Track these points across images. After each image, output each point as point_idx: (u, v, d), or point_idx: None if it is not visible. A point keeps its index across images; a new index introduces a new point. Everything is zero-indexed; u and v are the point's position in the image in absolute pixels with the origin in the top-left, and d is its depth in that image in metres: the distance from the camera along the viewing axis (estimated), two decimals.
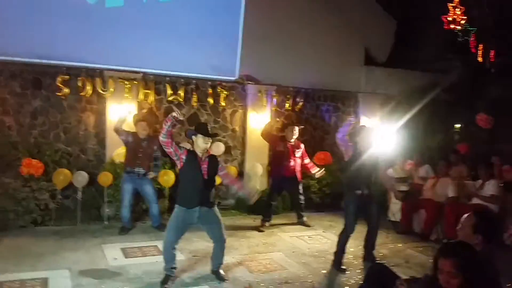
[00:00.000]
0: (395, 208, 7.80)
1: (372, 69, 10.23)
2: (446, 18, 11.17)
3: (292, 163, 7.16)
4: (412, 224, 7.42)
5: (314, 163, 7.63)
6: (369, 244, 5.72)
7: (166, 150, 4.55)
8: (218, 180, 5.02)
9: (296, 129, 7.19)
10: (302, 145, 7.33)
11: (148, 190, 6.56)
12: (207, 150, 4.67)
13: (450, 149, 8.62)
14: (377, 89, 10.02)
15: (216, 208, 4.80)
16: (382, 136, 6.01)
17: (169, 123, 4.41)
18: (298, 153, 7.22)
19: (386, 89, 10.04)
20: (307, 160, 7.41)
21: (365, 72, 10.16)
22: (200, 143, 4.57)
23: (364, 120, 9.56)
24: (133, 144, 6.42)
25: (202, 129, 4.64)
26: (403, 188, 7.76)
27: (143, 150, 6.43)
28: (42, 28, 7.06)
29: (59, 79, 7.21)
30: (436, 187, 7.33)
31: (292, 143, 7.17)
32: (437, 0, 11.06)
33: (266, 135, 7.47)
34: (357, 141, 5.54)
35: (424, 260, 5.96)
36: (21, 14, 6.93)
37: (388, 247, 6.51)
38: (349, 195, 5.51)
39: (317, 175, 7.35)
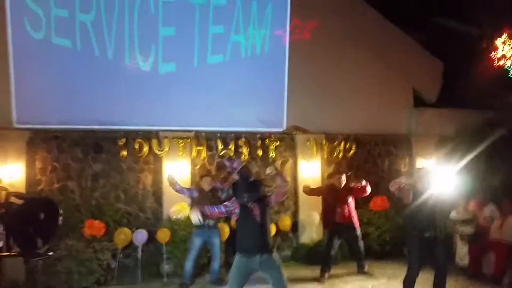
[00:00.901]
0: (462, 252, 7.38)
1: (423, 110, 10.07)
2: (495, 55, 10.95)
3: (346, 209, 7.02)
4: (482, 267, 6.95)
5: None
6: None
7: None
8: (273, 229, 4.98)
9: (343, 177, 7.13)
10: (358, 184, 7.17)
11: (216, 242, 6.63)
12: None
13: None
14: (430, 130, 9.80)
15: (276, 255, 4.74)
16: (442, 178, 5.81)
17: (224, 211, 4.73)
18: (351, 197, 7.10)
19: (439, 129, 9.81)
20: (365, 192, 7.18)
21: (415, 113, 10.01)
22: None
23: (420, 163, 9.31)
24: (199, 198, 6.56)
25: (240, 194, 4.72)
26: (469, 230, 7.37)
27: (209, 202, 6.56)
28: (102, 97, 7.65)
29: (119, 142, 7.61)
30: (504, 227, 6.90)
31: (342, 189, 7.08)
32: (484, 37, 10.93)
33: (310, 192, 7.44)
34: (416, 184, 5.39)
35: None
36: (83, 86, 7.56)
37: None
38: (412, 238, 5.30)
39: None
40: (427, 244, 5.26)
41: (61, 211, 6.45)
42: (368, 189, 7.12)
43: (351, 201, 7.09)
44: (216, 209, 4.75)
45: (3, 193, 3.48)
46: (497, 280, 6.62)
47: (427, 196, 5.30)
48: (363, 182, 7.14)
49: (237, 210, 4.66)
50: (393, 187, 5.43)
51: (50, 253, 6.29)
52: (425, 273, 5.36)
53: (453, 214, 7.47)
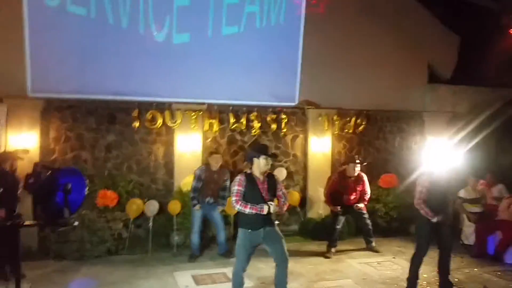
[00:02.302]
0: (468, 231, 7.47)
1: (437, 87, 9.94)
2: None
3: (353, 196, 7.12)
4: (487, 247, 7.04)
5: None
6: (443, 269, 5.50)
7: None
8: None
9: (358, 166, 7.12)
10: (365, 177, 7.23)
11: (217, 216, 6.78)
12: (267, 172, 4.76)
13: None
14: (443, 108, 9.71)
15: (277, 227, 4.85)
16: (452, 156, 5.82)
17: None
18: (359, 187, 7.15)
19: (453, 107, 9.74)
20: (366, 195, 7.24)
21: (429, 90, 9.89)
22: (263, 164, 4.67)
23: (431, 140, 9.28)
24: (206, 178, 6.70)
25: (263, 150, 4.76)
26: (476, 209, 7.43)
27: (215, 182, 6.68)
28: (116, 67, 7.59)
29: (133, 113, 7.65)
30: (511, 208, 6.94)
31: (353, 179, 7.11)
32: (503, 12, 10.62)
33: (328, 196, 7.34)
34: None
35: (503, 285, 5.68)
36: (97, 55, 7.50)
37: (463, 272, 6.23)
38: (423, 223, 5.37)
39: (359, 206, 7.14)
40: (436, 227, 5.33)
41: (87, 182, 6.66)
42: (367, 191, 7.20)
43: (360, 189, 7.15)
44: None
45: (32, 163, 3.59)
46: (499, 258, 6.72)
47: (439, 182, 5.33)
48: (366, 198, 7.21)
49: (242, 186, 4.64)
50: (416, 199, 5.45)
51: (76, 223, 6.52)
52: (431, 251, 5.44)
53: (462, 193, 7.51)
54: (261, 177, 4.70)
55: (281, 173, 8.20)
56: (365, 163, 7.53)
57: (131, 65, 7.68)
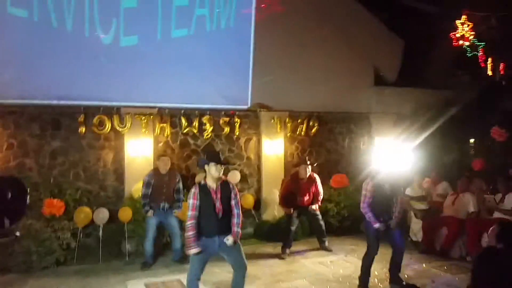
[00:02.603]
0: (416, 228, 7.73)
1: (382, 89, 10.29)
2: (454, 35, 11.23)
3: (306, 198, 7.23)
4: (434, 243, 7.33)
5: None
6: (394, 266, 5.67)
7: None
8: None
9: (309, 168, 7.24)
10: (317, 178, 7.36)
11: (173, 222, 6.67)
12: (220, 179, 4.69)
13: (466, 165, 8.57)
14: (389, 109, 10.06)
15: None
16: (398, 156, 6.02)
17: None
18: (312, 188, 7.27)
19: (398, 108, 10.09)
20: (319, 196, 7.38)
21: (375, 92, 10.23)
22: (213, 171, 4.59)
23: (378, 140, 9.59)
24: (155, 182, 6.57)
25: (214, 158, 4.66)
26: (422, 206, 7.73)
27: (166, 185, 6.55)
28: (61, 71, 7.27)
29: (79, 118, 7.40)
30: (456, 204, 7.26)
31: (305, 181, 7.21)
32: (444, 18, 11.16)
33: (282, 199, 7.39)
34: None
35: (449, 279, 5.92)
36: (39, 58, 7.18)
37: (412, 268, 6.44)
38: (370, 223, 5.50)
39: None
40: (383, 224, 5.47)
41: (28, 190, 6.33)
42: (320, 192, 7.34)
43: (313, 191, 7.27)
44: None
45: None
46: (445, 253, 7.01)
47: (383, 186, 5.47)
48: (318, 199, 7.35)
49: (196, 194, 4.58)
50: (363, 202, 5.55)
51: (17, 233, 6.20)
52: (381, 249, 5.59)
53: (408, 191, 7.78)
54: (215, 185, 4.63)
55: (235, 176, 8.19)
56: (316, 164, 7.65)
57: (77, 69, 7.39)
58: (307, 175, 7.20)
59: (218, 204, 4.57)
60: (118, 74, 7.69)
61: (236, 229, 4.62)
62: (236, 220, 4.66)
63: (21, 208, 3.05)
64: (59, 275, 6.20)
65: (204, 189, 4.61)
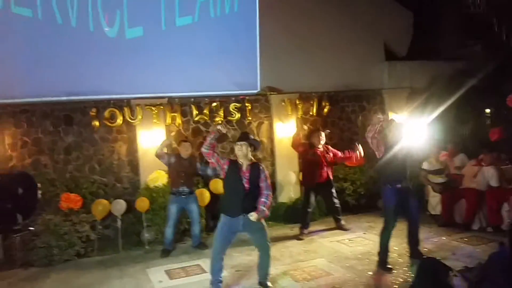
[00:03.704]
0: (434, 201, 7.65)
1: (394, 63, 10.09)
2: (465, 3, 10.97)
3: (324, 169, 7.13)
4: (454, 215, 7.24)
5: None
6: (413, 240, 5.62)
7: (208, 161, 4.85)
8: None
9: (322, 134, 7.16)
10: (330, 148, 7.30)
11: (194, 208, 6.68)
12: (251, 159, 4.76)
13: (482, 136, 8.39)
14: (401, 84, 9.89)
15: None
16: (413, 130, 5.92)
17: (212, 136, 4.75)
18: (329, 158, 7.18)
19: (410, 82, 9.91)
20: (340, 154, 7.23)
21: (387, 68, 10.02)
22: (236, 150, 4.77)
23: (392, 116, 9.43)
24: (175, 164, 6.58)
25: (239, 137, 4.88)
26: (440, 180, 7.62)
27: (185, 169, 6.57)
28: (69, 67, 7.33)
29: (90, 113, 7.45)
30: (479, 176, 7.12)
31: (321, 149, 7.13)
32: None
33: (296, 144, 7.37)
34: (387, 136, 5.49)
35: (470, 251, 5.85)
36: (48, 56, 7.23)
37: (432, 241, 6.40)
38: (387, 190, 5.45)
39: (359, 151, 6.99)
40: (400, 196, 5.41)
41: (39, 185, 6.42)
42: (358, 155, 7.03)
43: (329, 161, 7.19)
44: (210, 142, 4.78)
45: None
46: (468, 226, 6.93)
47: (399, 148, 5.41)
48: (346, 152, 7.17)
49: (225, 167, 4.72)
50: (369, 133, 5.45)
51: (31, 228, 6.29)
52: (400, 224, 5.54)
53: (425, 165, 7.67)
54: (245, 165, 4.70)
55: None
56: (328, 131, 7.59)
57: (84, 64, 7.44)
58: (322, 143, 7.11)
59: (245, 182, 4.64)
60: (126, 66, 7.72)
61: (261, 207, 4.63)
62: (264, 199, 4.68)
63: (32, 203, 3.07)
64: (80, 267, 6.30)
65: (235, 164, 4.74)
